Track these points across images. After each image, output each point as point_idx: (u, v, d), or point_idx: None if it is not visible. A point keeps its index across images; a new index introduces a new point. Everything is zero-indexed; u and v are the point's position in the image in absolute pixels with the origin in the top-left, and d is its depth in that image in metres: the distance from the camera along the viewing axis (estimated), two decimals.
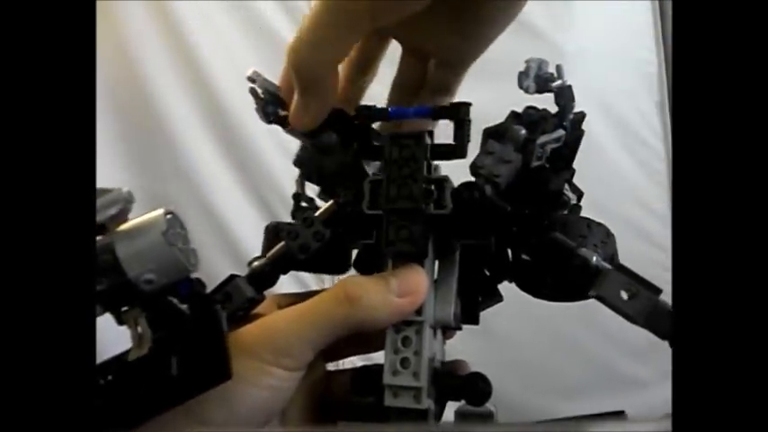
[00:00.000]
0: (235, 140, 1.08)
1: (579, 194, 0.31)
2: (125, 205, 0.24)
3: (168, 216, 0.25)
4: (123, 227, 0.24)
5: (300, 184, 0.34)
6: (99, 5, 0.24)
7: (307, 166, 0.33)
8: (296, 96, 0.28)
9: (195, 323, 0.25)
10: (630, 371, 1.06)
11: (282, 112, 0.31)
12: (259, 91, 0.31)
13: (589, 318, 1.06)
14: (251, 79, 0.31)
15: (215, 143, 1.08)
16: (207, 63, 1.07)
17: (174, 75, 1.08)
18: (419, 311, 0.28)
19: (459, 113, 0.29)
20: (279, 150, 1.10)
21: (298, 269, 0.32)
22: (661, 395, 0.97)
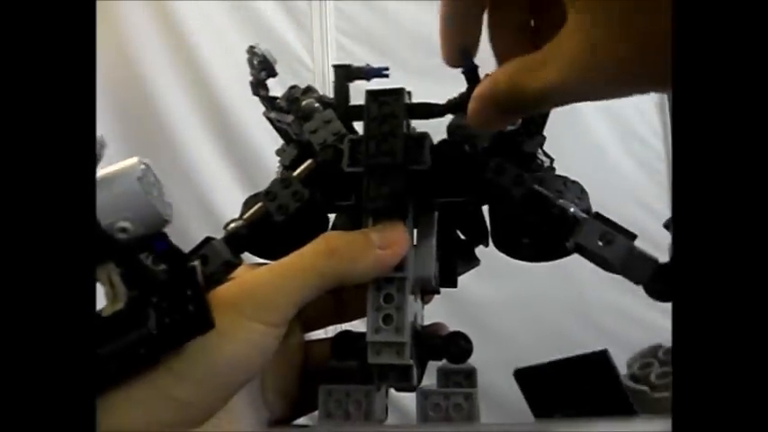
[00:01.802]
0: (234, 140, 1.08)
1: (551, 159, 0.32)
2: (98, 150, 0.23)
3: (143, 165, 0.24)
4: (97, 174, 0.23)
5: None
6: (99, 5, 0.24)
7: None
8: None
9: (172, 276, 0.24)
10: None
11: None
12: (255, 61, 0.31)
13: (590, 318, 1.06)
14: (252, 50, 0.31)
15: (215, 143, 1.09)
16: (207, 63, 1.07)
17: (174, 75, 1.08)
18: (400, 268, 0.28)
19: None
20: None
21: (269, 256, 0.31)
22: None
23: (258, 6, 1.09)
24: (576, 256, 0.29)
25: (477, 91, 0.25)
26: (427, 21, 1.04)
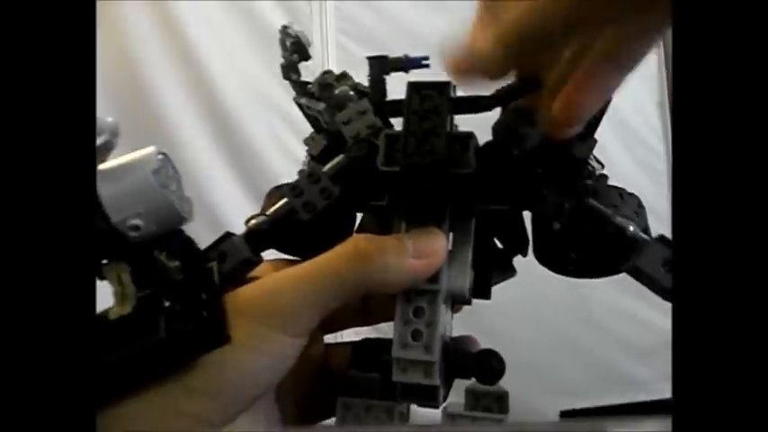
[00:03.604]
0: (234, 139, 1.08)
1: (602, 165, 0.29)
2: (110, 137, 0.21)
3: (160, 156, 0.22)
4: (107, 165, 0.21)
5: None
6: (99, 5, 0.23)
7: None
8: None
9: (187, 279, 0.22)
10: (631, 371, 1.07)
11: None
12: (287, 42, 0.29)
13: (590, 319, 1.06)
14: (285, 30, 0.29)
15: (214, 142, 1.09)
16: (207, 63, 1.07)
17: (173, 74, 1.08)
18: (434, 279, 0.26)
19: None
20: (279, 150, 1.10)
21: (292, 251, 0.29)
22: (661, 395, 0.97)
23: (258, 6, 1.09)
24: None
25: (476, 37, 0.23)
26: (427, 21, 1.04)
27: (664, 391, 0.98)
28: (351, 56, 1.03)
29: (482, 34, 0.23)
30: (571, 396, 0.97)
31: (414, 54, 0.30)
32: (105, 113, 0.21)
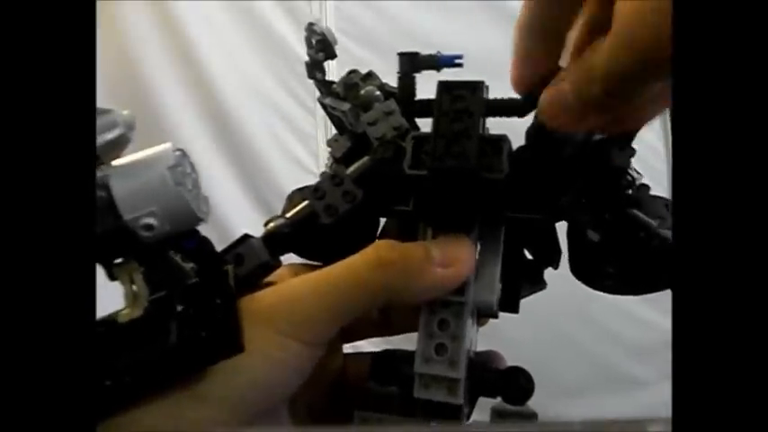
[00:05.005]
0: (234, 140, 1.08)
1: (641, 176, 0.28)
2: (125, 131, 0.20)
3: (177, 152, 0.21)
4: (121, 160, 0.21)
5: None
6: (99, 5, 0.23)
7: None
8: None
9: (201, 283, 0.21)
10: (631, 371, 1.07)
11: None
12: (313, 40, 0.28)
13: (590, 318, 1.06)
14: (311, 27, 0.28)
15: (214, 142, 1.09)
16: (207, 63, 1.07)
17: (174, 74, 1.08)
18: (460, 291, 0.25)
19: None
20: (279, 151, 1.10)
21: (312, 256, 0.28)
22: (661, 395, 0.97)
23: (258, 6, 1.09)
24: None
25: (548, 88, 0.22)
26: (427, 21, 1.04)
27: (664, 390, 0.98)
28: (351, 56, 1.03)
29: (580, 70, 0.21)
30: (570, 396, 0.97)
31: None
32: None
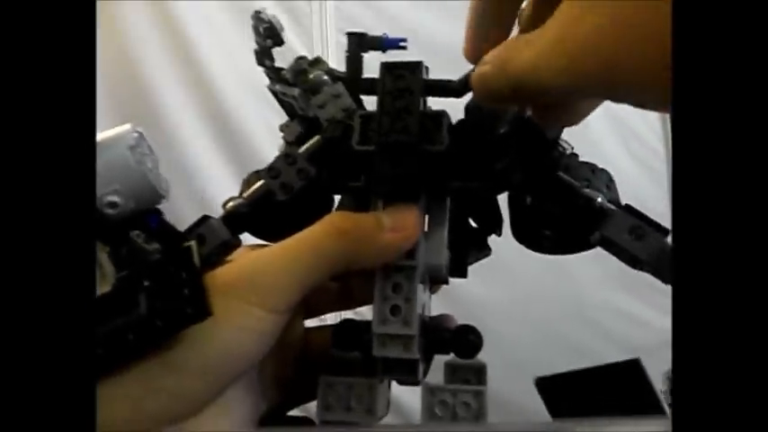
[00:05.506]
0: (234, 139, 1.08)
1: (571, 147, 0.30)
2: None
3: (135, 133, 0.22)
4: None
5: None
6: (99, 5, 0.23)
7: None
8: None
9: (165, 257, 0.22)
10: None
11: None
12: (260, 28, 0.30)
13: (587, 316, 1.06)
14: (258, 15, 0.30)
15: (214, 141, 1.09)
16: (207, 62, 1.07)
17: (173, 74, 1.08)
18: (411, 255, 0.27)
19: None
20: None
21: (270, 236, 0.29)
22: (659, 395, 0.97)
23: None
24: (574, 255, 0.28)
25: (475, 71, 0.23)
26: (427, 21, 1.04)
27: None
28: None
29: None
30: None
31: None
32: (105, 113, 0.20)
